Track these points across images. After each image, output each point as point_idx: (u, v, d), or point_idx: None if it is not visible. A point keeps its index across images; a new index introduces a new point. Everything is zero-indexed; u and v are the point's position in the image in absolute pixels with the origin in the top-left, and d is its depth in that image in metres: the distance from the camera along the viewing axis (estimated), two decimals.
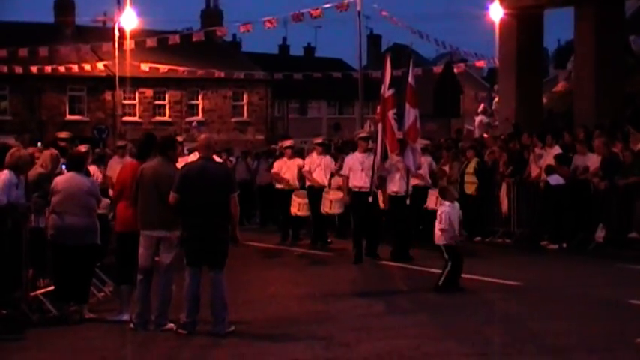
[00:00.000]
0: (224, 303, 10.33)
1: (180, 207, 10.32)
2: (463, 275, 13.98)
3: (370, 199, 16.37)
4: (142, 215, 10.68)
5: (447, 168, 20.23)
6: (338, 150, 22.24)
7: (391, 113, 16.18)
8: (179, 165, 11.10)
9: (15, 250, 11.00)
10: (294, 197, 19.24)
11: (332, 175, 19.37)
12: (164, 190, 10.43)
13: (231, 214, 10.68)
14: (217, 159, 18.43)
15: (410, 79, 16.38)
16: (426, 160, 18.22)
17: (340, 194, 18.15)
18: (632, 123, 20.74)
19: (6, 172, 11.21)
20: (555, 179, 17.81)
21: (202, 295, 10.41)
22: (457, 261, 12.95)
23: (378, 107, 17.06)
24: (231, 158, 26.09)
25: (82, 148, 14.80)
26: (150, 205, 10.58)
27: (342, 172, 17.29)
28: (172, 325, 10.51)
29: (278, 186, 20.26)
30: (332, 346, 9.77)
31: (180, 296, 10.49)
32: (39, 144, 19.13)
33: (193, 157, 16.14)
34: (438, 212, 13.19)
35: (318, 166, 19.21)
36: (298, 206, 19.10)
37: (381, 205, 17.15)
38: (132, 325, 10.63)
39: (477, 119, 30.30)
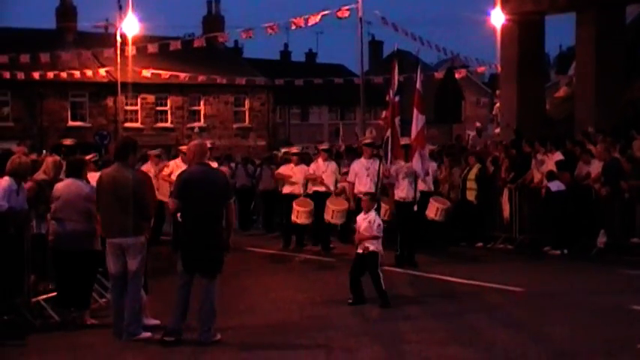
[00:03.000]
0: (213, 311, 10.19)
1: (179, 213, 10.22)
2: (463, 281, 13.97)
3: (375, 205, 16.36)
4: (104, 223, 10.61)
5: (446, 173, 20.24)
6: (338, 155, 22.10)
7: (397, 120, 16.18)
8: (177, 172, 10.97)
9: (17, 256, 11.00)
10: (294, 204, 19.21)
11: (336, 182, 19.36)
12: (123, 195, 10.30)
13: (227, 221, 10.50)
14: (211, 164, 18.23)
15: (418, 85, 16.37)
16: (431, 166, 18.23)
17: (343, 204, 18.14)
18: (634, 128, 20.74)
19: (6, 178, 11.25)
20: (556, 185, 17.80)
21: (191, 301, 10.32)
22: None
23: (384, 113, 17.06)
24: (231, 164, 26.08)
25: (89, 157, 14.73)
26: (110, 212, 10.46)
27: (347, 179, 17.27)
28: (148, 334, 10.40)
29: (284, 191, 20.19)
30: (334, 352, 9.76)
31: (160, 304, 10.37)
32: (44, 151, 19.11)
33: (174, 164, 16.10)
34: None
35: (324, 172, 19.23)
36: (297, 214, 19.07)
37: (384, 216, 17.15)
38: (113, 332, 10.59)
39: (472, 134, 30.46)
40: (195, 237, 10.18)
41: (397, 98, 16.19)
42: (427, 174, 16.81)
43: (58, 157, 12.85)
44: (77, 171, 11.57)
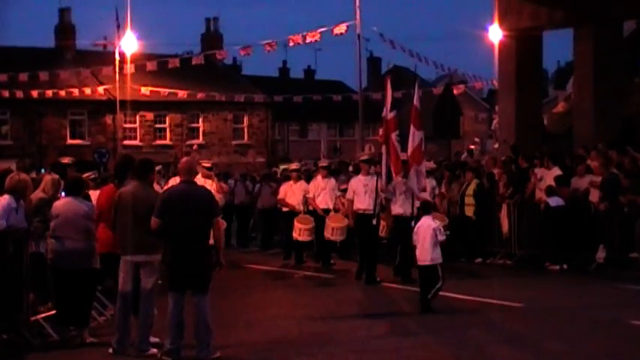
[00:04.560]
0: (208, 328, 10.11)
1: (162, 231, 10.13)
2: (463, 297, 13.95)
3: (374, 222, 16.37)
4: (121, 240, 10.59)
5: (446, 189, 20.25)
6: (335, 172, 22.03)
7: (394, 135, 16.19)
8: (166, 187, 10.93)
9: (16, 274, 10.98)
10: (295, 222, 19.24)
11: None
12: (142, 213, 10.29)
13: (215, 239, 10.43)
14: (208, 182, 17.99)
15: (415, 101, 16.40)
16: (429, 183, 18.21)
17: (343, 222, 18.13)
18: (630, 143, 20.81)
19: (5, 196, 11.22)
20: (555, 200, 17.81)
21: (187, 319, 10.21)
22: None
23: (380, 130, 17.06)
24: (229, 181, 26.00)
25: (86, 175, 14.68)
26: (128, 229, 10.47)
27: (346, 196, 17.29)
28: (155, 350, 10.38)
29: (284, 208, 20.30)
30: None
31: (163, 321, 10.33)
32: (42, 170, 19.04)
33: (173, 181, 16.16)
34: None
35: (323, 190, 19.25)
36: (299, 231, 19.10)
37: (381, 233, 17.19)
38: (111, 351, 10.55)
39: (463, 156, 30.64)
40: (180, 255, 10.11)
41: (393, 114, 16.22)
42: (424, 190, 16.81)
43: (56, 176, 12.83)
44: (76, 189, 11.58)
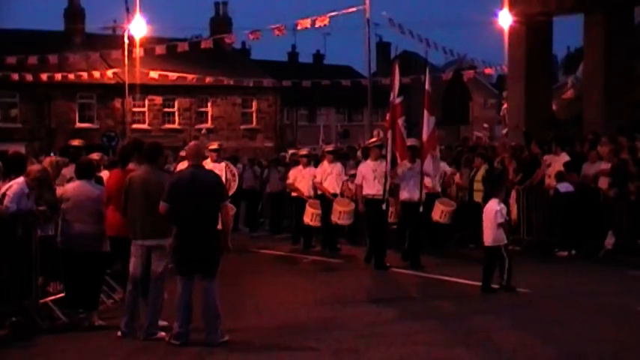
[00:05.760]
0: (216, 312, 10.13)
1: (170, 216, 10.15)
2: (471, 282, 13.98)
3: (384, 206, 16.36)
4: (133, 224, 10.58)
5: (457, 175, 20.22)
6: (344, 157, 22.07)
7: (400, 121, 16.19)
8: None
9: (24, 257, 11.01)
10: (308, 207, 19.23)
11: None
12: (153, 198, 10.28)
13: (222, 223, 10.43)
14: (217, 166, 17.90)
15: (427, 86, 16.40)
16: (442, 167, 18.23)
17: (350, 205, 18.15)
18: (637, 130, 20.73)
19: (20, 180, 11.17)
20: (565, 186, 17.78)
21: (195, 303, 10.25)
22: None
23: (388, 115, 17.06)
24: (238, 165, 26.00)
25: (95, 156, 14.68)
26: (140, 213, 10.46)
27: (355, 182, 17.30)
28: (163, 334, 10.42)
29: (293, 193, 20.30)
30: (341, 353, 9.76)
31: (172, 305, 10.36)
32: (52, 154, 19.02)
33: (182, 165, 16.15)
34: None
35: (329, 175, 19.24)
36: (312, 216, 19.10)
37: (390, 218, 17.19)
38: (119, 334, 10.58)
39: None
40: (187, 239, 10.12)
41: (399, 100, 16.21)
42: (436, 175, 16.86)
43: (56, 158, 12.84)
44: (87, 173, 11.60)
